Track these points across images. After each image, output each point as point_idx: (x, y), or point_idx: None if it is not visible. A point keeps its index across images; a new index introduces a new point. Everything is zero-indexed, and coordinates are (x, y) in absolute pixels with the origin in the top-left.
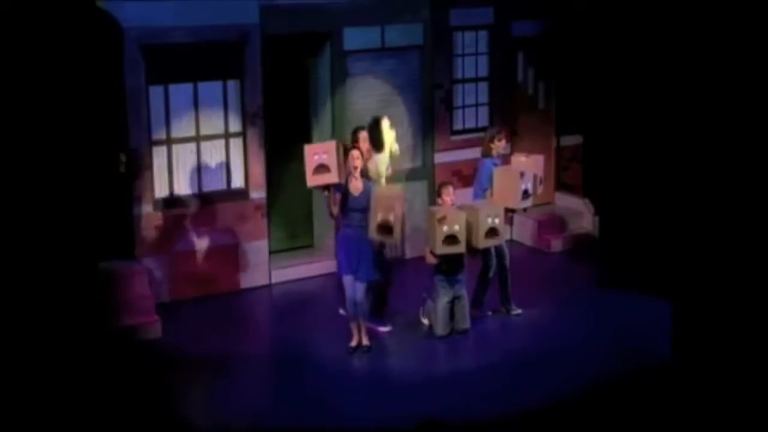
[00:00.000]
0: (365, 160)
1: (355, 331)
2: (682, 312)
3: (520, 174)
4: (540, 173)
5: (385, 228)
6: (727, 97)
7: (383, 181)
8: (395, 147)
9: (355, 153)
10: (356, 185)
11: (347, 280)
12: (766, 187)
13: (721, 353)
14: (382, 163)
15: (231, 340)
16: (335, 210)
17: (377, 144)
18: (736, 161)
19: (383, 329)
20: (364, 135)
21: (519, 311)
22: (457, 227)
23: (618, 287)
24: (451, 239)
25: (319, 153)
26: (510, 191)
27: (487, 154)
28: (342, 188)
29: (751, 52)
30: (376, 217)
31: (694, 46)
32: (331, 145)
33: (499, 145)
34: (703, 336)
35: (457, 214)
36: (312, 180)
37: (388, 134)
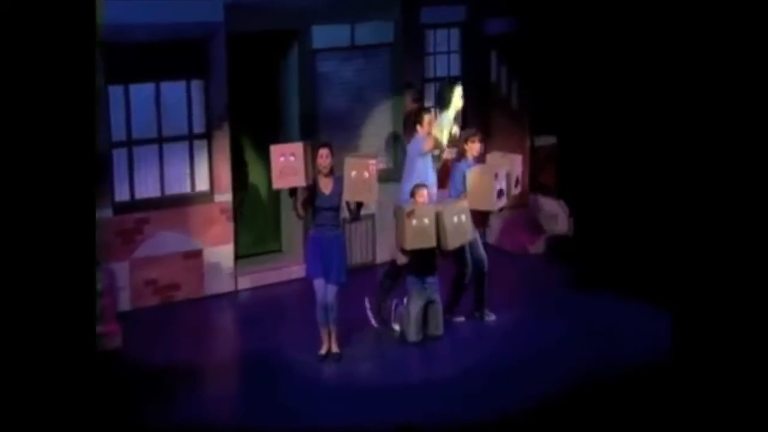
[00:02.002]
0: (432, 139)
1: (325, 338)
2: (660, 314)
3: (494, 174)
4: (518, 173)
5: (361, 185)
6: (707, 91)
7: (442, 146)
8: (455, 129)
9: (323, 151)
10: (326, 183)
11: (318, 283)
12: (747, 187)
13: (709, 356)
14: (444, 127)
15: (196, 349)
16: (302, 210)
17: (444, 102)
18: (716, 158)
19: (458, 319)
20: (429, 118)
21: (493, 317)
22: (426, 220)
23: (594, 290)
24: (420, 233)
25: (285, 154)
26: (484, 192)
27: (461, 156)
28: (310, 187)
29: (732, 45)
30: (351, 177)
31: (672, 44)
32: (299, 146)
33: (474, 147)
34: (685, 339)
35: (427, 207)
36: (278, 182)
37: (457, 100)
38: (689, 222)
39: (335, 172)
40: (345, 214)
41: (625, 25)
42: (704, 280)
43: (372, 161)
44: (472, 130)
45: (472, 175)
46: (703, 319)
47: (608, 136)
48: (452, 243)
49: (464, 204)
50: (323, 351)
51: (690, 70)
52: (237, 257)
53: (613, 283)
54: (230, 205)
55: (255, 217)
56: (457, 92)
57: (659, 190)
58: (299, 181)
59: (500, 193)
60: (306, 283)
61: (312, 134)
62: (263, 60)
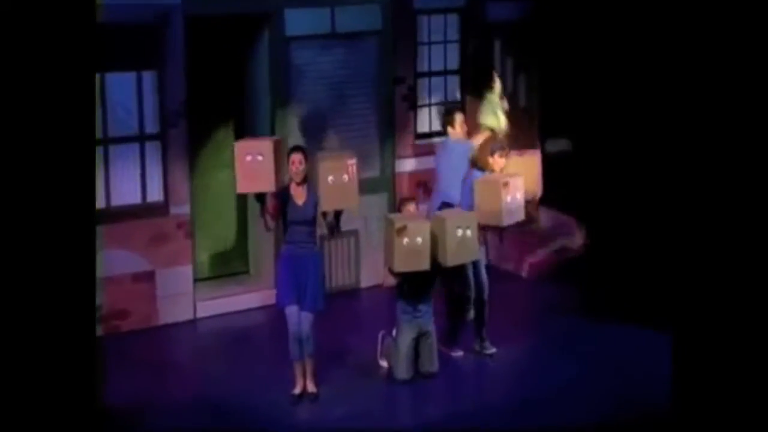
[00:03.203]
0: (481, 135)
1: (299, 375)
2: (683, 347)
3: (503, 183)
4: (537, 173)
5: (339, 190)
6: (742, 94)
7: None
8: (503, 120)
9: (295, 156)
10: (299, 192)
11: (290, 312)
12: None
13: (728, 397)
14: (492, 111)
15: (147, 387)
16: (271, 221)
17: (480, 88)
18: (751, 171)
19: (456, 354)
20: (461, 118)
21: (493, 350)
22: (419, 239)
23: (610, 318)
24: (412, 253)
25: (252, 153)
26: (492, 205)
27: (481, 168)
28: (282, 195)
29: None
30: (327, 181)
31: (702, 34)
32: (268, 144)
33: (499, 163)
34: (707, 377)
35: (421, 223)
36: (243, 185)
37: (494, 83)
38: (727, 239)
39: (308, 180)
40: (322, 229)
41: (649, 11)
42: (739, 310)
43: (351, 161)
44: (501, 145)
45: (480, 184)
46: (732, 356)
47: (631, 139)
48: (453, 260)
49: (471, 216)
50: (297, 390)
51: (728, 67)
52: (196, 280)
53: (630, 312)
54: (188, 219)
55: (218, 233)
56: (497, 85)
57: (690, 202)
58: (267, 185)
59: (512, 205)
60: (277, 310)
61: (284, 136)
62: (227, 49)
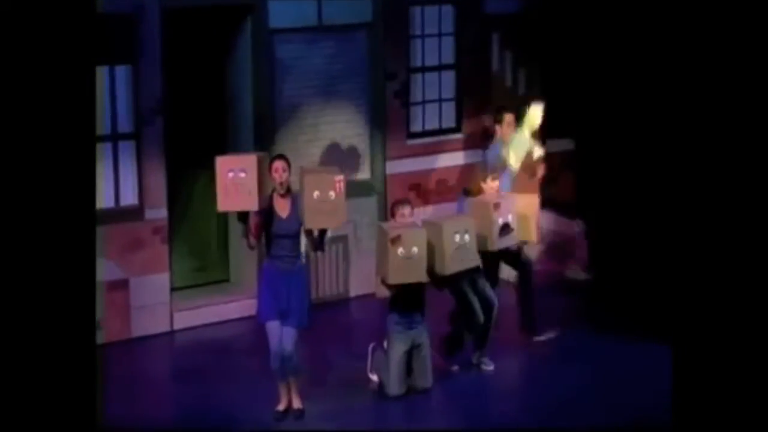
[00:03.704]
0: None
1: (283, 392)
2: (684, 359)
3: (494, 205)
4: (534, 217)
5: (325, 208)
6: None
7: (513, 165)
8: (538, 152)
9: (278, 164)
10: (282, 204)
11: (271, 327)
12: None
13: (728, 408)
14: (515, 147)
15: (120, 403)
16: (254, 240)
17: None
18: (751, 181)
19: (453, 368)
20: (510, 118)
21: (491, 367)
22: (415, 249)
23: (616, 331)
24: (407, 264)
25: (234, 169)
26: (482, 228)
27: (474, 194)
28: (264, 210)
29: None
30: (312, 198)
31: (704, 30)
32: (251, 159)
33: (492, 186)
34: (708, 389)
35: (416, 232)
36: (224, 204)
37: (534, 118)
38: (742, 248)
39: (292, 191)
40: (304, 245)
41: (652, 3)
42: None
43: (338, 177)
44: (493, 170)
45: (471, 207)
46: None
47: (638, 139)
48: (451, 267)
49: (469, 220)
50: (281, 407)
51: (743, 65)
52: (173, 289)
53: (630, 324)
54: (165, 224)
55: (196, 239)
56: (536, 111)
57: (704, 204)
58: (250, 203)
59: (505, 228)
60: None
61: (268, 135)
62: (207, 42)
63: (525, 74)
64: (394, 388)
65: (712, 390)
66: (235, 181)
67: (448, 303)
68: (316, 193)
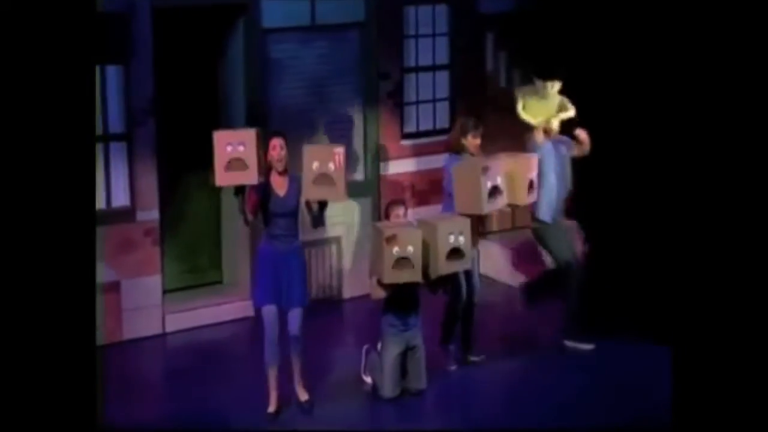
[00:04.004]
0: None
1: (273, 388)
2: (684, 361)
3: (483, 168)
4: (532, 176)
5: (324, 180)
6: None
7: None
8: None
9: (276, 141)
10: (280, 182)
11: (268, 311)
12: None
13: (729, 410)
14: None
15: (112, 406)
16: (251, 214)
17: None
18: (750, 183)
19: (450, 367)
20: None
21: (478, 358)
22: (410, 248)
23: (611, 331)
24: (403, 264)
25: (233, 143)
26: (471, 191)
27: (456, 151)
28: (261, 187)
29: None
30: (311, 169)
31: (703, 30)
32: (250, 133)
33: (474, 143)
34: (708, 391)
35: (411, 231)
36: (223, 178)
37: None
38: (741, 248)
39: (290, 171)
40: (304, 218)
41: (649, 2)
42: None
43: (339, 149)
44: (472, 121)
45: (457, 171)
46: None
47: (636, 140)
48: (445, 268)
49: (464, 221)
50: (272, 408)
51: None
52: (165, 291)
53: (636, 324)
54: (157, 225)
55: (189, 241)
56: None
57: (701, 206)
58: (249, 177)
59: (494, 191)
60: (254, 322)
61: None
62: (199, 41)
63: (519, 74)
64: (388, 390)
65: (712, 391)
66: (234, 154)
67: (443, 304)
68: (315, 164)
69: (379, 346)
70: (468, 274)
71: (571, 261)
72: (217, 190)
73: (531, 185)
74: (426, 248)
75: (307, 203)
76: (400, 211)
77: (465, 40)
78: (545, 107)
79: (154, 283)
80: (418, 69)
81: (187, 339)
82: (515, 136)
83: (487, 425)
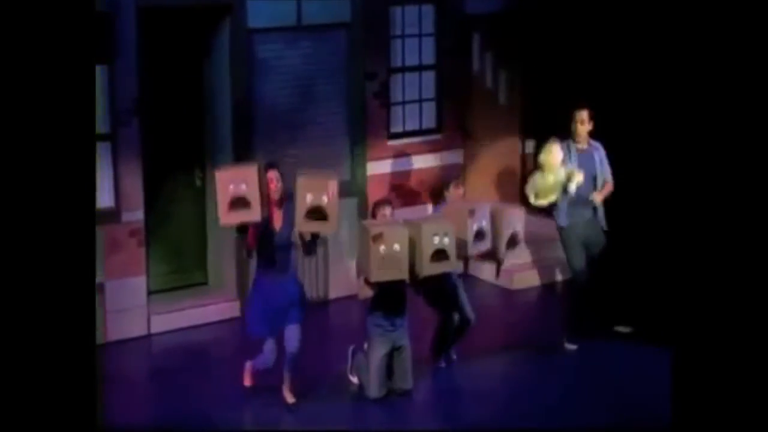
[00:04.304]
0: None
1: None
2: (684, 364)
3: (469, 211)
4: (517, 228)
5: (317, 213)
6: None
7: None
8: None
9: (271, 174)
10: (277, 214)
11: (269, 346)
12: None
13: (729, 413)
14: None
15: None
16: (254, 252)
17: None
18: (749, 184)
19: (439, 365)
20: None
21: (455, 356)
22: (397, 246)
23: (600, 333)
24: (390, 262)
25: (236, 181)
26: (459, 235)
27: (438, 202)
28: (262, 224)
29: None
30: (305, 201)
31: (689, 29)
32: (251, 170)
33: (457, 194)
34: (708, 394)
35: (397, 230)
36: (227, 217)
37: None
38: (724, 245)
39: (285, 201)
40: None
41: (635, 2)
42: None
43: (332, 181)
44: (455, 175)
45: (445, 212)
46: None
47: (620, 139)
48: (429, 269)
49: (449, 223)
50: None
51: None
52: (150, 292)
53: (620, 322)
54: (142, 226)
55: (174, 242)
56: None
57: (686, 207)
58: (253, 215)
59: (479, 234)
60: (238, 324)
61: (247, 136)
62: (185, 42)
63: (505, 74)
64: (374, 390)
65: (712, 393)
66: (237, 193)
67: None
68: (309, 197)
69: (365, 346)
70: (459, 303)
71: (579, 270)
72: (203, 192)
73: (514, 239)
74: (411, 248)
75: (300, 234)
76: (387, 210)
77: (451, 41)
78: (554, 183)
79: (139, 284)
80: (404, 69)
81: (173, 340)
82: (499, 136)
83: (475, 426)
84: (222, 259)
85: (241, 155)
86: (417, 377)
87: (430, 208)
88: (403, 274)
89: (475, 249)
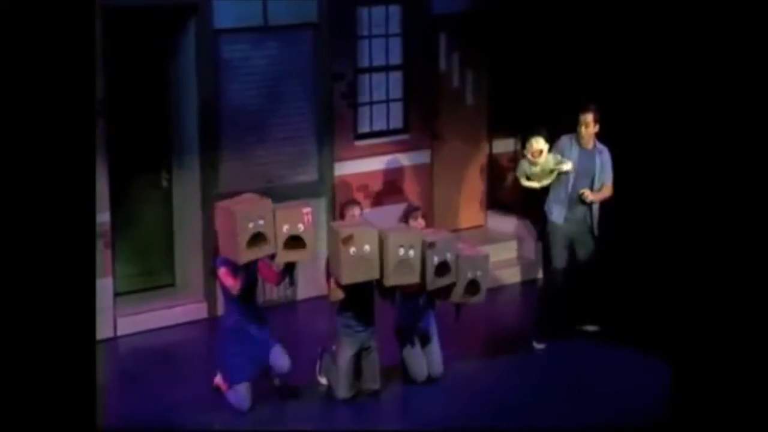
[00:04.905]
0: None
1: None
2: (682, 372)
3: (428, 244)
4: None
5: (295, 242)
6: (726, 100)
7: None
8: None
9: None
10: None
11: (242, 389)
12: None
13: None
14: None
15: None
16: (279, 281)
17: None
18: (745, 191)
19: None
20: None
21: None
22: (367, 247)
23: (566, 333)
24: (360, 263)
25: (254, 219)
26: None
27: None
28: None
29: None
30: (283, 232)
31: (659, 28)
32: (267, 204)
33: (416, 225)
34: (705, 401)
35: (368, 231)
36: (246, 254)
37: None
38: (684, 244)
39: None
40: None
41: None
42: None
43: (307, 209)
44: (414, 206)
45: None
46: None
47: (630, 148)
48: (393, 279)
49: (416, 235)
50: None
51: (709, 67)
52: (117, 294)
53: (627, 336)
54: (108, 228)
55: (140, 243)
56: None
57: (643, 199)
58: (269, 249)
59: (443, 267)
60: (206, 325)
61: (214, 137)
62: (149, 43)
63: (472, 74)
64: (343, 390)
65: (710, 400)
66: (255, 230)
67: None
68: (285, 227)
69: (333, 347)
70: (427, 348)
71: (557, 269)
72: (169, 193)
73: (476, 285)
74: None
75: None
76: (356, 211)
77: (418, 41)
78: (543, 173)
79: (105, 286)
80: (371, 70)
81: (140, 342)
82: (467, 136)
83: (444, 425)
84: (189, 261)
85: (208, 157)
86: (385, 377)
87: (397, 208)
88: (375, 275)
89: (435, 284)
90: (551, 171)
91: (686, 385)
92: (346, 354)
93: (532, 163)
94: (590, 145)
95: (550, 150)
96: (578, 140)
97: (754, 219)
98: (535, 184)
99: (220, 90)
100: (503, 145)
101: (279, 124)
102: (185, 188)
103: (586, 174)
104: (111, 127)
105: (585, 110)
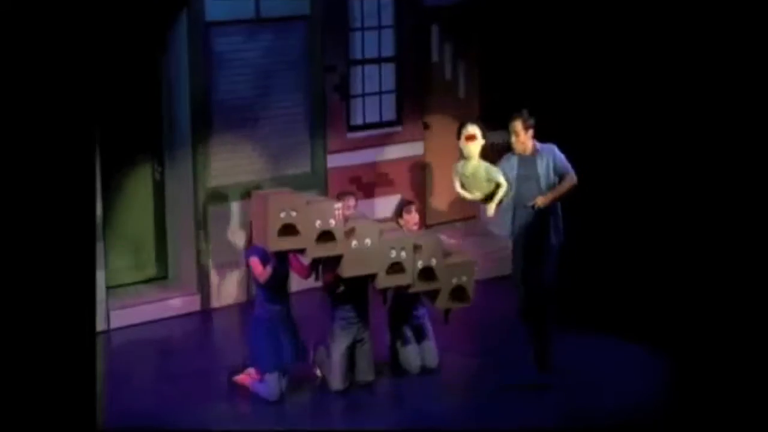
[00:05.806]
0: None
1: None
2: (680, 367)
3: (414, 246)
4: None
5: (326, 236)
6: (717, 93)
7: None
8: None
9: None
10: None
11: (272, 378)
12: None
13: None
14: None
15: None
16: (309, 274)
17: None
18: (744, 187)
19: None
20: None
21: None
22: (368, 241)
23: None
24: (362, 257)
25: (286, 208)
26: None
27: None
28: (265, 254)
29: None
30: (314, 227)
31: (662, 22)
32: (301, 199)
33: (409, 221)
34: (704, 398)
35: (370, 225)
36: (276, 243)
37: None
38: (672, 241)
39: None
40: None
41: None
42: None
43: (338, 204)
44: (407, 201)
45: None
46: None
47: (579, 132)
48: (384, 281)
49: (408, 238)
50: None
51: (700, 63)
52: (108, 287)
53: (625, 330)
54: (99, 220)
55: (133, 236)
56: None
57: (635, 194)
58: (302, 242)
59: (427, 272)
60: (201, 317)
61: (206, 129)
62: (141, 35)
63: (464, 67)
64: (337, 382)
65: (710, 394)
66: (287, 220)
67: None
68: (318, 222)
69: (327, 339)
70: (422, 345)
71: (517, 279)
72: (161, 186)
73: (464, 292)
74: None
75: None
76: (350, 202)
77: (410, 33)
78: (476, 181)
79: (96, 279)
80: (364, 61)
81: (132, 335)
82: (458, 126)
83: (440, 420)
84: (181, 253)
85: (200, 149)
86: (379, 369)
87: (388, 201)
88: (375, 268)
89: (421, 287)
90: (487, 181)
91: (687, 379)
92: (340, 346)
93: (465, 157)
94: (528, 151)
95: (485, 148)
96: (513, 152)
97: (754, 216)
98: (468, 195)
99: (213, 83)
100: (495, 137)
101: (271, 117)
102: (178, 181)
103: (528, 178)
104: (103, 119)
105: (512, 119)
